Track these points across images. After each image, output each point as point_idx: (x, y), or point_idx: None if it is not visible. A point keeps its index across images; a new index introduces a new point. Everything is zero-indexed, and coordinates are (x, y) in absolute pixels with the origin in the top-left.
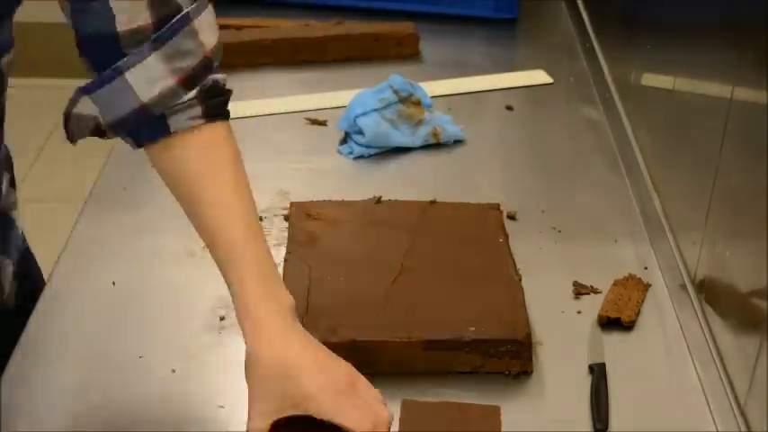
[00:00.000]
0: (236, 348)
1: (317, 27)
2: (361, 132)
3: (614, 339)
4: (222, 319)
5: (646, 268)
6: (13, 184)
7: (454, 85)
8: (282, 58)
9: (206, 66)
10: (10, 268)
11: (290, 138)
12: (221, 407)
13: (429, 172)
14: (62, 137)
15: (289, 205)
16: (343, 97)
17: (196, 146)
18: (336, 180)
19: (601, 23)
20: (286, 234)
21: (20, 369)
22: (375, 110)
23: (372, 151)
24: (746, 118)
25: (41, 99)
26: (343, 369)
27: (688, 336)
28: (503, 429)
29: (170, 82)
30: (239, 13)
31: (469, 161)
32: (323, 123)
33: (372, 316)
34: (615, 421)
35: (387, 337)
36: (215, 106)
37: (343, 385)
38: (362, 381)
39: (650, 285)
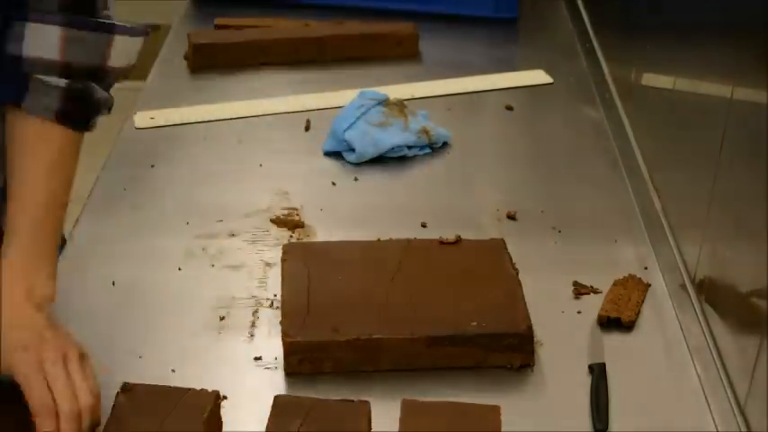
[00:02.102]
0: (236, 348)
1: (317, 27)
2: (351, 149)
3: (614, 339)
4: (222, 318)
5: (646, 268)
6: None
7: (454, 85)
8: (282, 58)
9: (95, 74)
10: None
11: (290, 138)
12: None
13: (429, 172)
14: None
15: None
16: (344, 97)
17: (29, 135)
18: (336, 180)
19: (601, 23)
20: (285, 234)
21: None
22: (358, 118)
23: (371, 156)
24: (746, 118)
25: None
26: (60, 342)
27: (688, 336)
28: (503, 429)
29: (54, 56)
30: (239, 13)
31: (469, 161)
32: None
33: (374, 314)
34: (615, 421)
35: (389, 334)
36: (74, 109)
37: (49, 356)
38: (80, 363)
39: (650, 285)
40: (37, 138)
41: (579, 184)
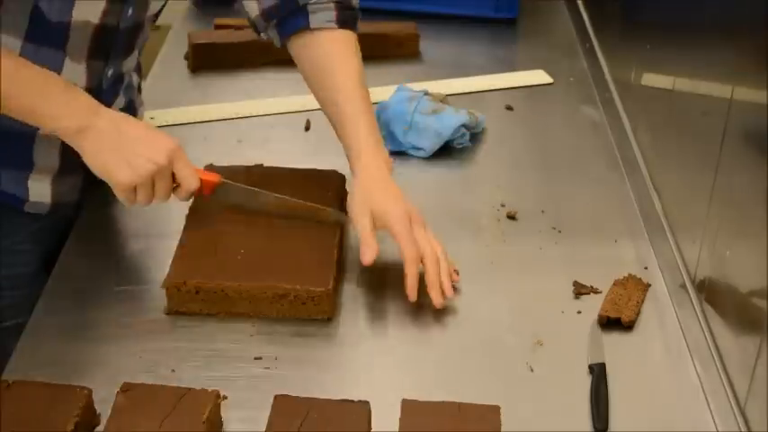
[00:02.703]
0: (236, 348)
1: None
2: (417, 147)
3: (614, 339)
4: (222, 318)
5: (646, 268)
6: (140, 88)
7: (454, 84)
8: (282, 58)
9: None
10: None
11: (290, 138)
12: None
13: (429, 172)
14: None
15: None
16: None
17: (329, 42)
18: None
19: (601, 23)
20: None
21: (19, 369)
22: (413, 114)
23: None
24: (746, 118)
25: None
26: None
27: (688, 336)
28: (503, 429)
29: None
30: (239, 14)
31: (470, 161)
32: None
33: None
34: (615, 421)
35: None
36: (347, 17)
37: (417, 219)
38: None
39: (650, 285)
40: (332, 43)
41: (579, 184)
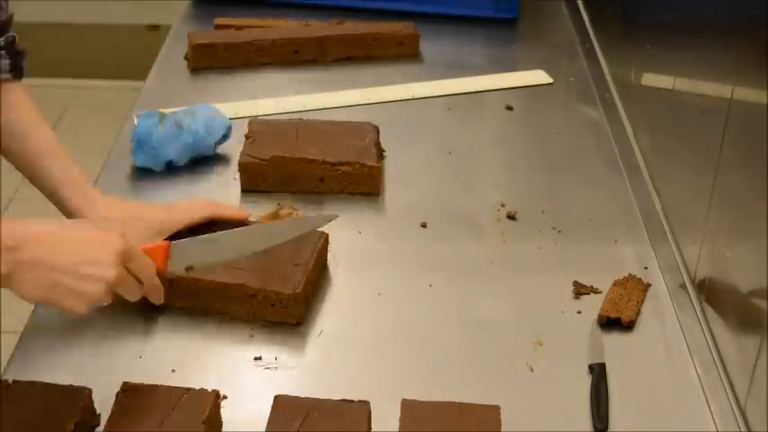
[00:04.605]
0: (236, 348)
1: (317, 27)
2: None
3: (614, 339)
4: (222, 318)
5: (646, 268)
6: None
7: (454, 85)
8: (282, 58)
9: (6, 22)
10: None
11: None
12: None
13: (429, 172)
14: (61, 136)
15: None
16: (344, 97)
17: (15, 106)
18: None
19: (601, 23)
20: None
21: (19, 369)
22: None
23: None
24: (746, 118)
25: (40, 98)
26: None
27: (688, 336)
28: (503, 429)
29: None
30: (239, 13)
31: (469, 161)
32: None
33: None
34: (615, 421)
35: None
36: (19, 66)
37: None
38: None
39: (650, 285)
40: (13, 97)
41: (579, 184)
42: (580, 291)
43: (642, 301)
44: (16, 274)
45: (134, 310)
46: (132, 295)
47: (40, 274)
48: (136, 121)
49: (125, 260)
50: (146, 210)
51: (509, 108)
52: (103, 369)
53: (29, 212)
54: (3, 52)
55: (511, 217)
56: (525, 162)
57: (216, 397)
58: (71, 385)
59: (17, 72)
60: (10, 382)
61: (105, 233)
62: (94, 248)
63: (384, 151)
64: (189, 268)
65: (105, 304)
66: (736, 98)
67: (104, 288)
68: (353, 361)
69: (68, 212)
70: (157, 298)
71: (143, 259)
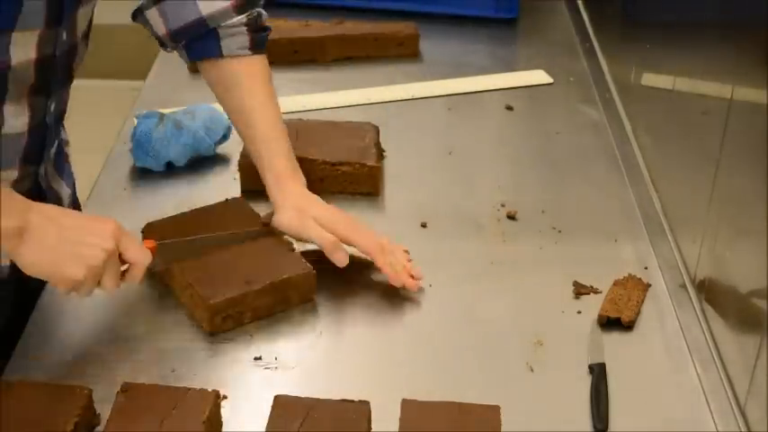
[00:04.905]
0: (236, 348)
1: (317, 27)
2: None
3: (614, 339)
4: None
5: (646, 268)
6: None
7: (454, 85)
8: (282, 58)
9: None
10: (68, 199)
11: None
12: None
13: (429, 172)
14: None
15: None
16: (344, 97)
17: (244, 71)
18: None
19: (601, 23)
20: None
21: (19, 369)
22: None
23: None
24: (746, 118)
25: None
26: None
27: (688, 336)
28: (503, 429)
29: (226, 4)
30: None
31: (470, 161)
32: None
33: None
34: (615, 421)
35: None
36: (260, 40)
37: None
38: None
39: (650, 285)
40: (247, 72)
41: (579, 184)
42: (580, 291)
43: (642, 301)
44: (25, 233)
45: (134, 309)
46: (112, 281)
47: (45, 234)
48: (136, 121)
49: (119, 239)
50: (315, 205)
51: (509, 108)
52: (103, 369)
53: None
54: (245, 29)
55: (511, 217)
56: (525, 162)
57: (216, 397)
58: (71, 385)
59: (257, 50)
60: (10, 382)
61: (104, 218)
62: (95, 223)
63: (384, 151)
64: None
65: (87, 296)
66: (736, 98)
67: (103, 257)
68: (353, 361)
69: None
70: (139, 275)
71: (134, 241)
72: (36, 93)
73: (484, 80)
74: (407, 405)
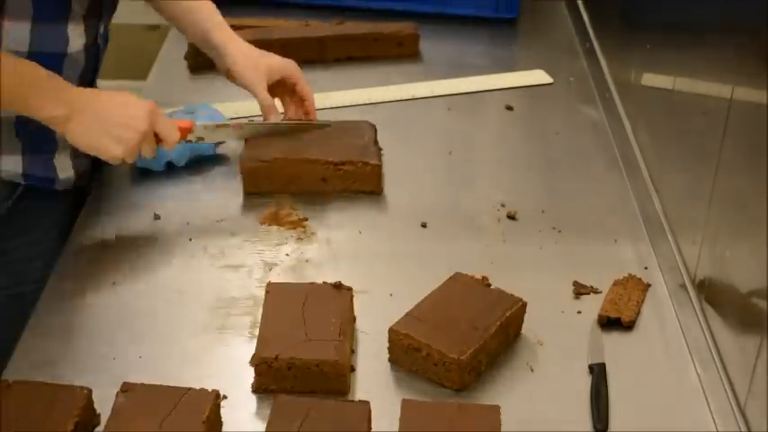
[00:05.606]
0: (236, 348)
1: (317, 27)
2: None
3: (614, 339)
4: (222, 319)
5: (646, 268)
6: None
7: (454, 85)
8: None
9: None
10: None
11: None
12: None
13: (429, 172)
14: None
15: None
16: (344, 97)
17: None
18: None
19: (601, 23)
20: (285, 234)
21: (19, 369)
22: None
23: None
24: (746, 118)
25: None
26: None
27: (688, 336)
28: (503, 429)
29: None
30: (239, 13)
31: (470, 161)
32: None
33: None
34: (615, 421)
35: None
36: None
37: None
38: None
39: (650, 285)
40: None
41: (579, 184)
42: (580, 291)
43: (642, 301)
44: (73, 117)
45: (134, 309)
46: (150, 151)
47: (89, 118)
48: None
49: (154, 120)
50: (266, 54)
51: (509, 108)
52: (103, 369)
53: None
54: None
55: (511, 217)
56: (525, 162)
57: (216, 397)
58: (71, 385)
59: None
60: (10, 382)
61: (139, 99)
62: (135, 106)
63: (381, 149)
64: (200, 139)
65: (130, 162)
66: (736, 98)
67: (138, 138)
68: (354, 360)
69: (216, 47)
70: (171, 147)
71: (167, 122)
72: (91, 15)
73: (484, 80)
74: (407, 405)
